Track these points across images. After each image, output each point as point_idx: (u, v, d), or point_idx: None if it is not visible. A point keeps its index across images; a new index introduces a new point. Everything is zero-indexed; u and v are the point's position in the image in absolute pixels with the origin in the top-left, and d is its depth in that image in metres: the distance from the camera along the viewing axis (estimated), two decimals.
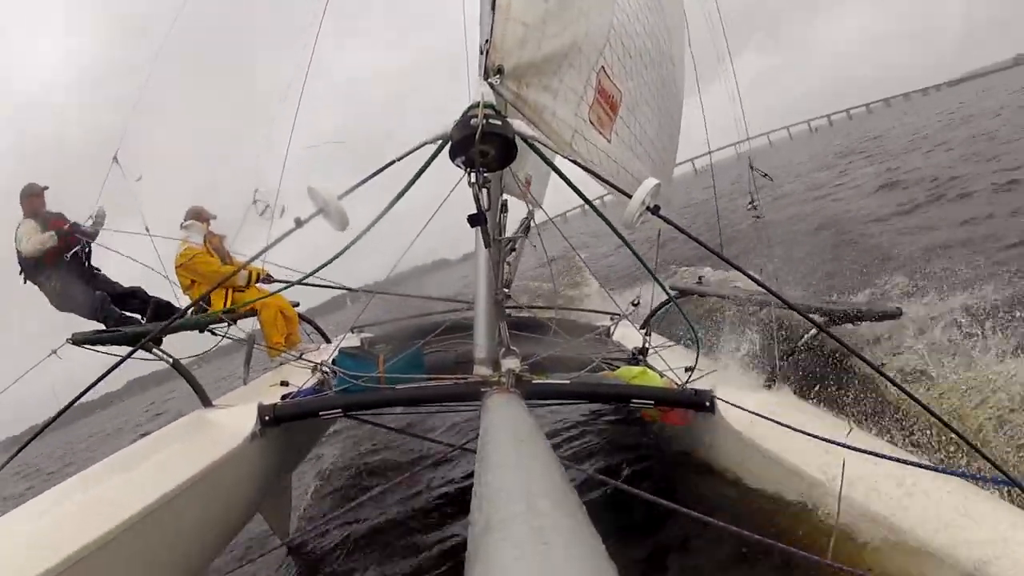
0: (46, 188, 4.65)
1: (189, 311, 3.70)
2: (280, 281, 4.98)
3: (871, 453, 1.87)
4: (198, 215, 4.88)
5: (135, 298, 4.77)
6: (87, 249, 4.66)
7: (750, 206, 3.88)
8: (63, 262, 4.50)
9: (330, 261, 1.89)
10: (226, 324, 4.00)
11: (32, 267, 4.47)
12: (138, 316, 4.74)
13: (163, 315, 4.51)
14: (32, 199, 4.58)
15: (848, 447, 1.89)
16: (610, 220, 2.05)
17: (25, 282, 4.56)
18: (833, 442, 1.94)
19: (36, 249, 4.38)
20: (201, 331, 3.87)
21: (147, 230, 4.61)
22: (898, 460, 1.84)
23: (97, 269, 4.75)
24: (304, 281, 3.58)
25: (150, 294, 4.81)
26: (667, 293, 3.00)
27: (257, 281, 4.94)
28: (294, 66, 4.84)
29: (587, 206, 2.06)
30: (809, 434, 2.02)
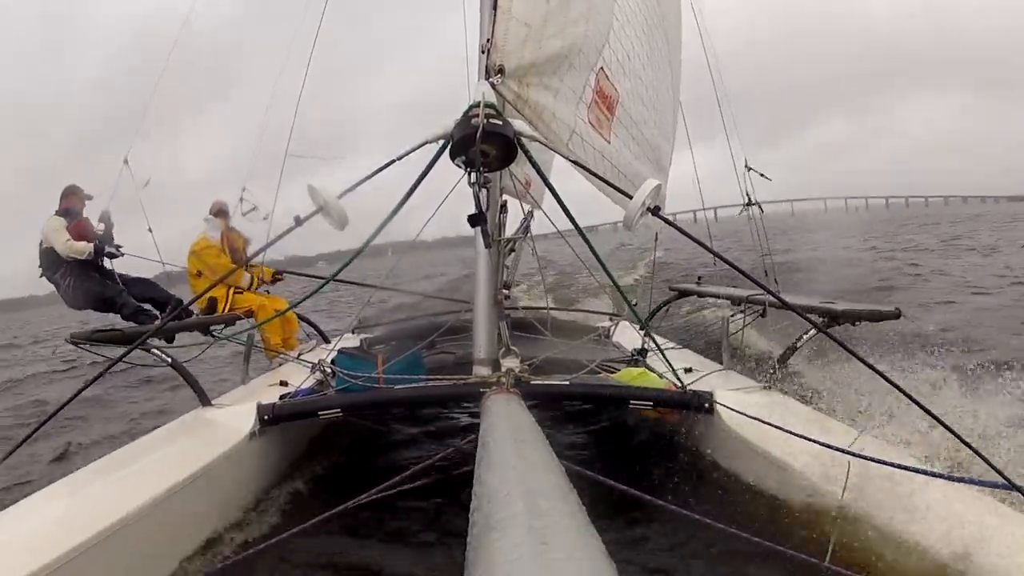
0: (90, 198, 4.76)
1: (184, 311, 3.73)
2: (291, 273, 5.08)
3: (868, 459, 1.87)
4: (220, 210, 4.93)
5: (145, 290, 4.84)
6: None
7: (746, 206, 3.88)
8: (79, 263, 4.58)
9: (348, 262, 1.88)
10: (223, 325, 4.00)
11: (52, 264, 4.56)
12: (152, 308, 4.82)
13: (177, 315, 4.62)
14: (72, 199, 4.68)
15: (845, 452, 1.89)
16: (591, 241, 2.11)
17: (41, 276, 4.64)
18: (829, 446, 1.94)
19: (67, 254, 4.48)
20: (205, 333, 3.90)
21: (150, 231, 4.71)
22: (895, 465, 1.83)
23: (110, 268, 4.82)
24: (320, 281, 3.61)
25: (161, 287, 4.91)
26: (630, 307, 2.82)
27: (272, 282, 5.02)
28: (293, 75, 5.00)
29: (574, 225, 2.09)
30: (806, 438, 2.02)
